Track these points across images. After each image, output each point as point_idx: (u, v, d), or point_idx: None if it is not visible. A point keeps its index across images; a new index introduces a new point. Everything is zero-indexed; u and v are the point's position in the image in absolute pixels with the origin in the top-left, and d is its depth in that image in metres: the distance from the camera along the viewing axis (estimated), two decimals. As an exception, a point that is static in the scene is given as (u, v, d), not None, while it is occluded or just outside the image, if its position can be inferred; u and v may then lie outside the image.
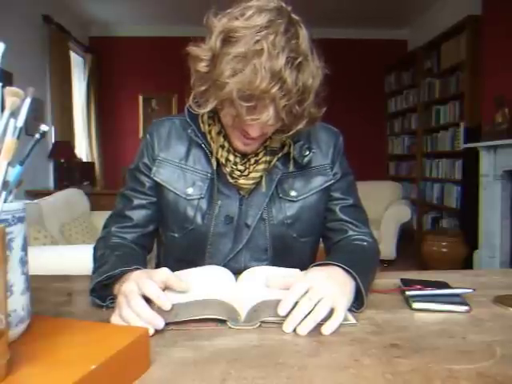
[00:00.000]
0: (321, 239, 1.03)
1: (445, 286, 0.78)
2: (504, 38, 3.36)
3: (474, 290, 0.75)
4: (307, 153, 0.91)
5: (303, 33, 0.76)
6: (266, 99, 0.72)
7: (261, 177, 0.90)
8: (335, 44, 4.69)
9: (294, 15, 0.77)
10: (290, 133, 0.82)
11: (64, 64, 4.53)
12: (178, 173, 0.92)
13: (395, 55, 5.60)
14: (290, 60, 0.72)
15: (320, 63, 0.79)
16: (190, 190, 0.91)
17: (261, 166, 0.89)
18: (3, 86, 0.48)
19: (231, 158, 0.88)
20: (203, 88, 0.79)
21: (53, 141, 4.26)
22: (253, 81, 0.70)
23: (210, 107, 0.79)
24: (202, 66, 0.77)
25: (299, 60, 0.74)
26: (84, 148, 5.22)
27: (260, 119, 0.74)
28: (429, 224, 4.91)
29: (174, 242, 0.95)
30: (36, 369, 0.42)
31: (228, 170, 0.88)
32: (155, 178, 0.93)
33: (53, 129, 4.29)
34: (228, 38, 0.73)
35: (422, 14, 5.19)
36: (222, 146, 0.88)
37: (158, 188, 0.94)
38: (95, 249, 0.90)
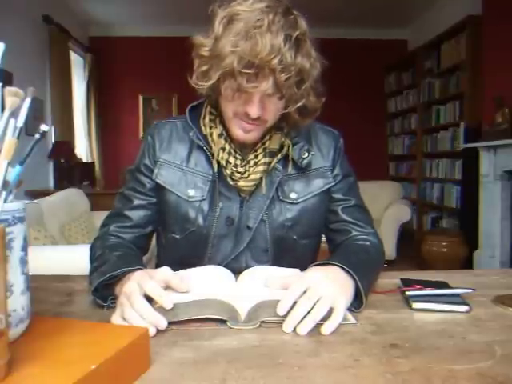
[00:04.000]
0: (324, 239, 1.03)
1: (445, 285, 0.78)
2: (504, 38, 3.36)
3: (474, 289, 0.75)
4: (306, 155, 0.92)
5: (301, 20, 0.80)
6: (266, 69, 0.75)
7: (260, 178, 0.90)
8: (335, 44, 4.68)
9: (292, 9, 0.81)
10: (289, 109, 0.83)
11: (64, 64, 4.52)
12: (180, 175, 0.93)
13: (395, 55, 5.60)
14: (288, 37, 0.75)
15: (318, 57, 0.82)
16: (191, 192, 0.91)
17: (260, 168, 0.89)
18: (3, 86, 0.48)
19: (231, 160, 0.89)
20: (206, 67, 0.82)
21: (53, 141, 4.25)
22: (254, 48, 0.73)
23: (212, 81, 0.81)
24: (206, 50, 0.81)
25: (297, 36, 0.77)
26: (84, 148, 5.22)
27: (260, 87, 0.76)
28: (429, 224, 4.91)
29: (175, 243, 0.94)
30: (36, 369, 0.42)
31: (228, 171, 0.89)
32: (157, 180, 0.93)
33: (53, 129, 4.28)
34: (230, 21, 0.78)
35: (422, 13, 5.19)
36: (223, 149, 0.89)
37: (158, 190, 0.94)
38: (92, 248, 0.90)
